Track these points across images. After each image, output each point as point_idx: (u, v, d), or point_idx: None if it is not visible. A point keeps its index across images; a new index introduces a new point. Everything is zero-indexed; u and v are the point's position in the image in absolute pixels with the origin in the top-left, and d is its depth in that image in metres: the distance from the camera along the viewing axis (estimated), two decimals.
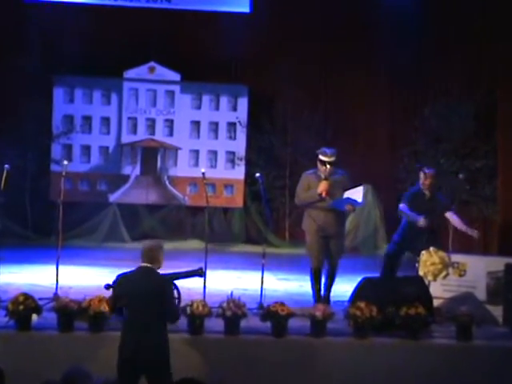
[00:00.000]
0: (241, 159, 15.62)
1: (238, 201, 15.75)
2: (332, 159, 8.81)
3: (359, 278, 8.36)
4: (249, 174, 15.11)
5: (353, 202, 8.73)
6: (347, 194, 8.78)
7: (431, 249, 8.77)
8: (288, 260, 13.43)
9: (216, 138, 15.82)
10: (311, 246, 8.95)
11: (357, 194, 8.74)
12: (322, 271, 8.98)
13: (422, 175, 9.25)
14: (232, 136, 15.79)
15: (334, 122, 15.22)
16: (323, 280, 8.96)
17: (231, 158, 15.77)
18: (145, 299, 5.78)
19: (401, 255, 9.49)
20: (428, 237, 9.16)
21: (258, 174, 9.19)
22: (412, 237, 9.23)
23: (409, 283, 8.12)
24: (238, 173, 15.71)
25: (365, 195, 8.86)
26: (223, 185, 15.73)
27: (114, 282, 7.38)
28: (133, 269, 6.03)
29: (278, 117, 15.39)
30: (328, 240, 8.88)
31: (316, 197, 8.81)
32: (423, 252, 8.78)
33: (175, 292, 7.80)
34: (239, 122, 15.58)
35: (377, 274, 9.43)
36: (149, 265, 5.91)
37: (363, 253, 14.83)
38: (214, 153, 15.82)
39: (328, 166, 8.79)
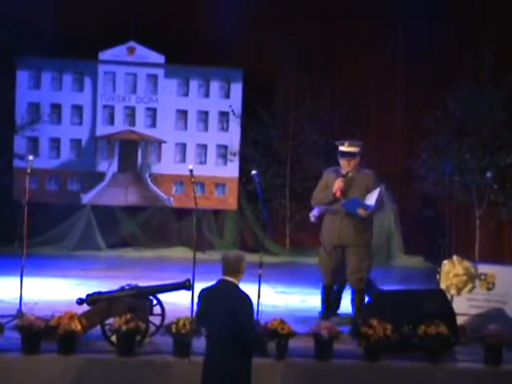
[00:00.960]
0: (234, 154, 15.61)
1: (231, 202, 15.75)
2: (351, 149, 8.81)
3: None
4: (243, 172, 15.11)
5: (364, 205, 8.71)
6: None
7: (454, 258, 8.76)
8: (289, 270, 13.45)
9: (206, 129, 15.83)
10: (321, 260, 8.99)
11: (371, 196, 8.73)
12: (335, 287, 9.01)
13: None
14: (224, 127, 15.79)
15: (342, 111, 15.21)
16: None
17: (223, 152, 15.77)
18: (217, 317, 5.78)
19: None
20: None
21: (254, 172, 9.17)
22: None
23: (428, 297, 8.10)
24: (231, 170, 15.71)
25: (378, 199, 8.77)
26: (214, 184, 15.73)
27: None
28: (214, 282, 6.04)
29: (278, 105, 15.40)
30: (345, 250, 8.86)
31: (330, 197, 8.79)
32: (445, 262, 8.77)
33: (159, 308, 7.80)
34: (232, 111, 15.58)
35: (390, 288, 9.44)
36: (231, 278, 5.94)
37: (375, 264, 14.77)
38: (204, 147, 15.82)
39: (348, 159, 8.77)
